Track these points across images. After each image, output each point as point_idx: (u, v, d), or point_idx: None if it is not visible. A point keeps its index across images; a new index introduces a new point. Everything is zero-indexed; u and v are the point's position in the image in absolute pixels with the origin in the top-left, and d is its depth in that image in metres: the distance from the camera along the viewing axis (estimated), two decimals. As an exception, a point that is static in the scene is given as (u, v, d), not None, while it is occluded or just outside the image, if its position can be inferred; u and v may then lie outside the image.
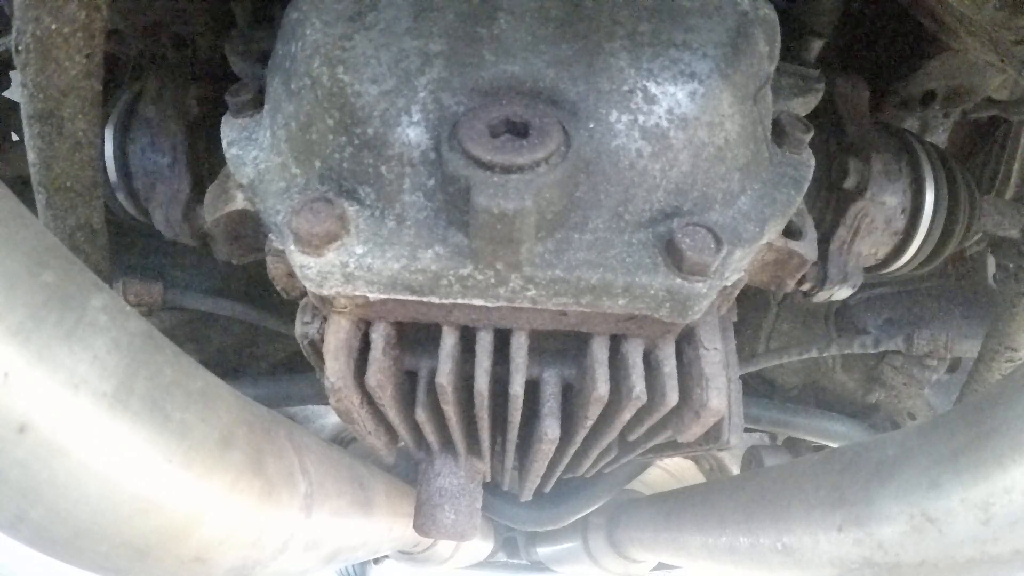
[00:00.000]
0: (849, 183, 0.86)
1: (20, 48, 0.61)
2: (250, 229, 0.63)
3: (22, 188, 0.72)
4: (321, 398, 1.29)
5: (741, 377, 0.77)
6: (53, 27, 0.59)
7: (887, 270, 0.99)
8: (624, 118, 0.53)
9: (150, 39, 0.92)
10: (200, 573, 0.52)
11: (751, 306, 1.33)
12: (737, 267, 0.57)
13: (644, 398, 0.58)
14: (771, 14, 0.62)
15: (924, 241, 0.93)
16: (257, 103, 0.64)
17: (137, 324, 0.45)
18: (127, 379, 0.42)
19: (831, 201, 0.89)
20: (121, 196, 0.94)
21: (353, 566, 2.47)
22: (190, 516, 0.47)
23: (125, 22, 0.89)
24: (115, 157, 0.91)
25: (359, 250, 0.52)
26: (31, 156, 0.70)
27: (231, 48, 0.74)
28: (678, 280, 0.53)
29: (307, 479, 0.65)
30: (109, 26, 0.65)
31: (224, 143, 0.62)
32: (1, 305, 0.36)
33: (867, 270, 0.99)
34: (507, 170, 0.47)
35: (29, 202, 0.71)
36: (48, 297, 0.39)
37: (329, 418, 1.64)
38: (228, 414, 0.52)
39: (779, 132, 0.65)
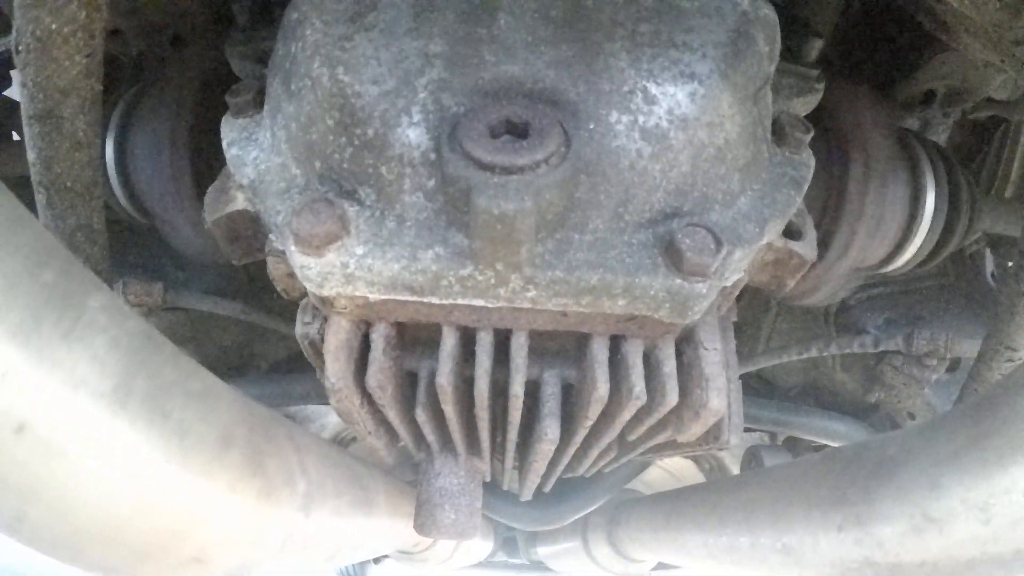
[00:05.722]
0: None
1: (20, 48, 0.61)
2: (250, 230, 0.63)
3: (23, 188, 0.72)
4: (321, 397, 1.29)
5: (741, 376, 0.77)
6: (53, 27, 0.59)
7: (886, 269, 0.98)
8: (624, 119, 0.53)
9: (150, 39, 0.92)
10: (199, 573, 0.52)
11: (751, 305, 1.33)
12: (737, 267, 0.57)
13: (644, 398, 0.59)
14: (771, 14, 0.61)
15: (924, 241, 0.93)
16: (257, 103, 0.64)
17: (136, 324, 0.45)
18: (126, 379, 0.42)
19: (821, 226, 0.88)
20: (121, 196, 0.94)
21: (353, 566, 2.47)
22: (189, 516, 0.47)
23: (125, 22, 0.89)
24: (115, 159, 0.90)
25: (359, 251, 0.52)
26: (31, 156, 0.69)
27: (231, 48, 0.74)
28: (678, 281, 0.53)
29: (306, 479, 0.65)
30: (110, 26, 0.64)
31: (224, 143, 0.62)
32: (0, 305, 0.36)
33: (866, 269, 0.99)
34: (507, 171, 0.47)
35: (29, 202, 0.71)
36: (47, 297, 0.39)
37: (329, 418, 1.64)
38: (227, 414, 0.52)
39: (779, 132, 0.65)
